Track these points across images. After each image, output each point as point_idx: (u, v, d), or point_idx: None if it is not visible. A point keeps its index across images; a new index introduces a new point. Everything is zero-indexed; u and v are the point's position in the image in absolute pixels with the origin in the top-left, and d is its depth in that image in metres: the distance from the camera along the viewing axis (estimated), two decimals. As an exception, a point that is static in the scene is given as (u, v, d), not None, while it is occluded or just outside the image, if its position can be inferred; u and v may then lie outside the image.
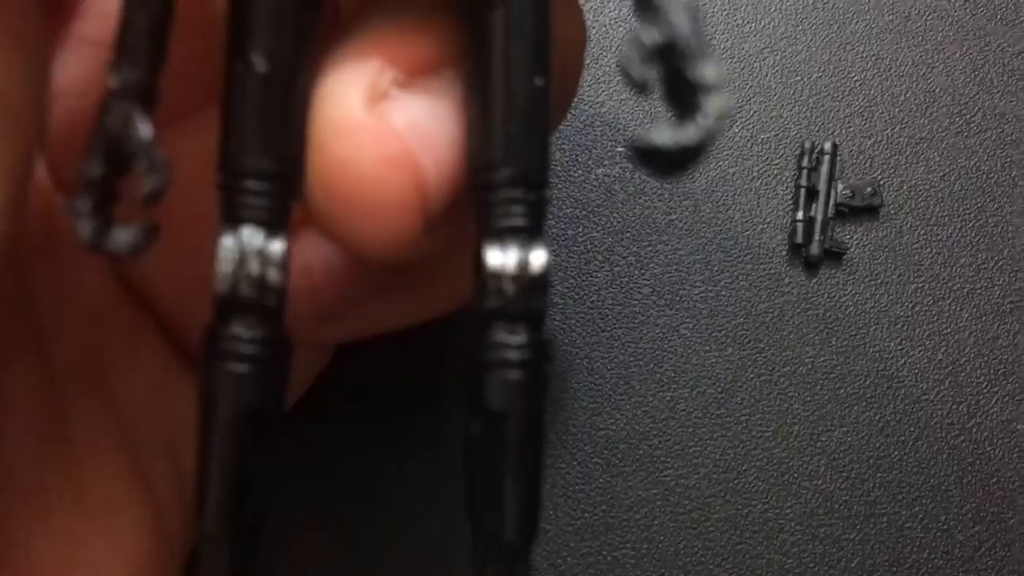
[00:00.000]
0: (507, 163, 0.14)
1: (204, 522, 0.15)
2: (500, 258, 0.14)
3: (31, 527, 0.17)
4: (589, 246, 0.23)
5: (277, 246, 0.14)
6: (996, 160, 0.24)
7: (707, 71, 0.13)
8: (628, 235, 0.23)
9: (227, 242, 0.14)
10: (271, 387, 0.14)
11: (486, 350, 0.14)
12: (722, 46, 0.24)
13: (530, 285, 0.14)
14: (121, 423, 0.18)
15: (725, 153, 0.24)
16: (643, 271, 0.23)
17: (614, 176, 0.23)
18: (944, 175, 0.24)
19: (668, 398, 0.22)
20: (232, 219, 0.14)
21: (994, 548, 0.22)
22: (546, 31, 0.14)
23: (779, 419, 0.22)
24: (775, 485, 0.22)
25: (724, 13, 0.25)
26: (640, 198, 0.23)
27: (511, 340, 0.14)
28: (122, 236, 0.14)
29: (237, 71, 0.14)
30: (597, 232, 0.23)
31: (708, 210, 0.23)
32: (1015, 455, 0.22)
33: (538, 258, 0.14)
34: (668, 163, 0.13)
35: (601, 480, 0.21)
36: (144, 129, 0.14)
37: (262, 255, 0.14)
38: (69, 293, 0.18)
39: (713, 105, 0.13)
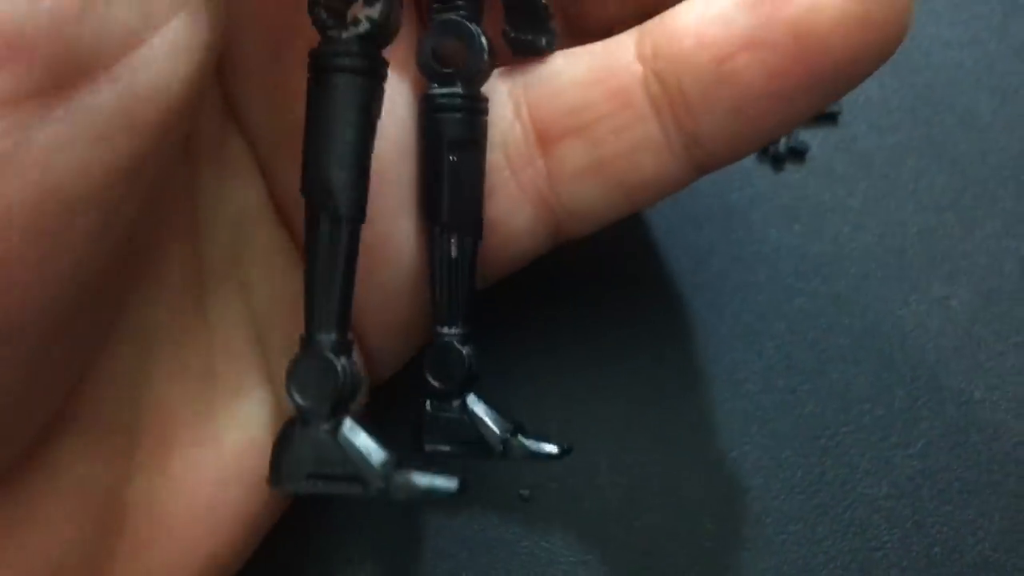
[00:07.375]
0: None
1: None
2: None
3: (166, 383, 0.19)
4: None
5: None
6: (940, 78, 0.28)
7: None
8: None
9: None
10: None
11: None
12: None
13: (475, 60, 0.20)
14: (255, 322, 0.20)
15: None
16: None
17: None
18: (895, 89, 0.28)
19: (654, 266, 0.26)
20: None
21: (928, 403, 0.25)
22: None
23: (745, 288, 0.26)
24: (741, 343, 0.25)
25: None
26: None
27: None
28: None
29: None
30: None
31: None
32: (948, 327, 0.26)
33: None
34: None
35: (603, 324, 0.25)
36: None
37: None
38: (228, 197, 0.20)
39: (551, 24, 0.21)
